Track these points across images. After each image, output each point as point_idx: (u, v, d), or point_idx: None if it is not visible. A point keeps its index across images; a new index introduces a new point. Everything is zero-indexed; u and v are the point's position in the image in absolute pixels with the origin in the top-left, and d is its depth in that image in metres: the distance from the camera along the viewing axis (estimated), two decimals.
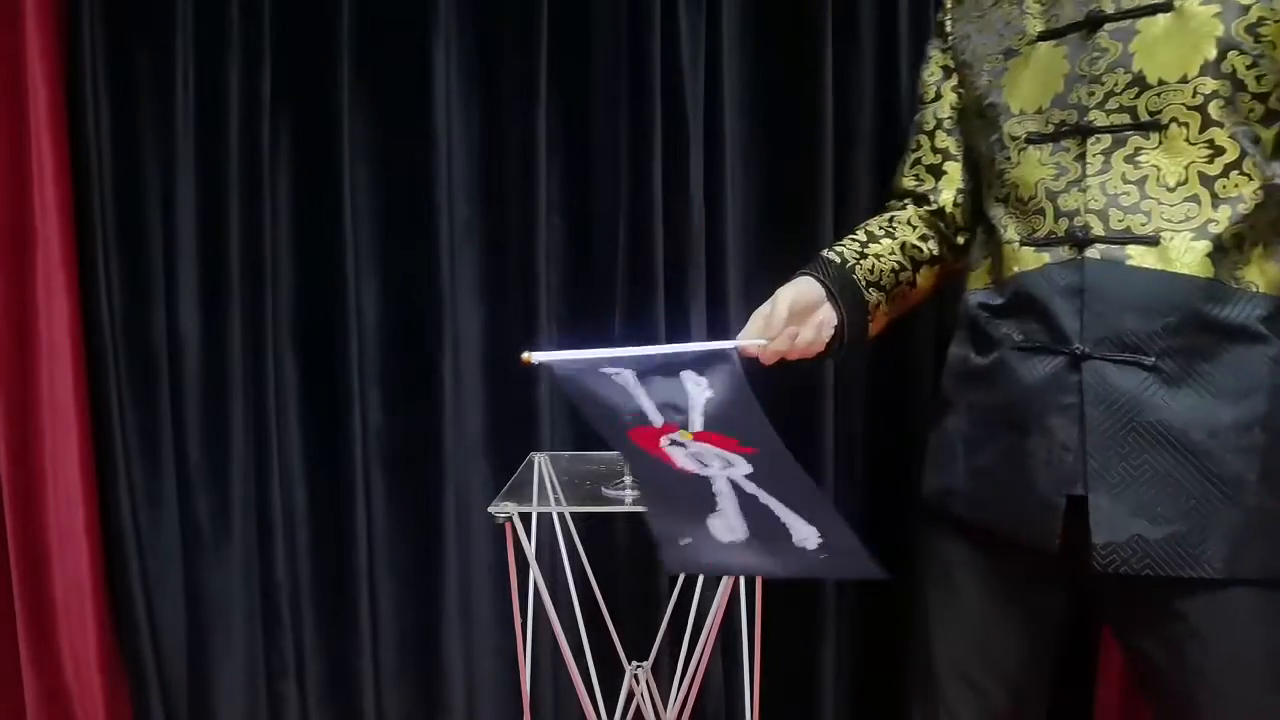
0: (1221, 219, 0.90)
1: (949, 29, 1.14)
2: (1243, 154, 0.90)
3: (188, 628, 1.71)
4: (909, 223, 1.17)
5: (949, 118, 1.15)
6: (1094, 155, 0.95)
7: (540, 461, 1.50)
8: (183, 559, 1.71)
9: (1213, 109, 0.89)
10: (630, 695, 1.55)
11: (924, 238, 1.16)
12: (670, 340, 1.56)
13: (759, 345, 1.02)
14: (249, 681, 1.73)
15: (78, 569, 1.64)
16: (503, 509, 1.13)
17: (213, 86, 1.62)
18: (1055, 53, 0.99)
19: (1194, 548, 0.90)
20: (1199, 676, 0.92)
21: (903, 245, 1.14)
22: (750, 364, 1.04)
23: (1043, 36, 1.00)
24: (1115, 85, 0.94)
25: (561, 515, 1.46)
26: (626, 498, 1.32)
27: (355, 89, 1.62)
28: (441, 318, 1.64)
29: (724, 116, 1.61)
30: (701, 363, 0.93)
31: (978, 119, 1.08)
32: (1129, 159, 0.93)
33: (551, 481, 1.48)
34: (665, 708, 1.52)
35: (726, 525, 0.97)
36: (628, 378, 0.93)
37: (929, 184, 1.17)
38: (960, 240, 1.17)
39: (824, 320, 1.07)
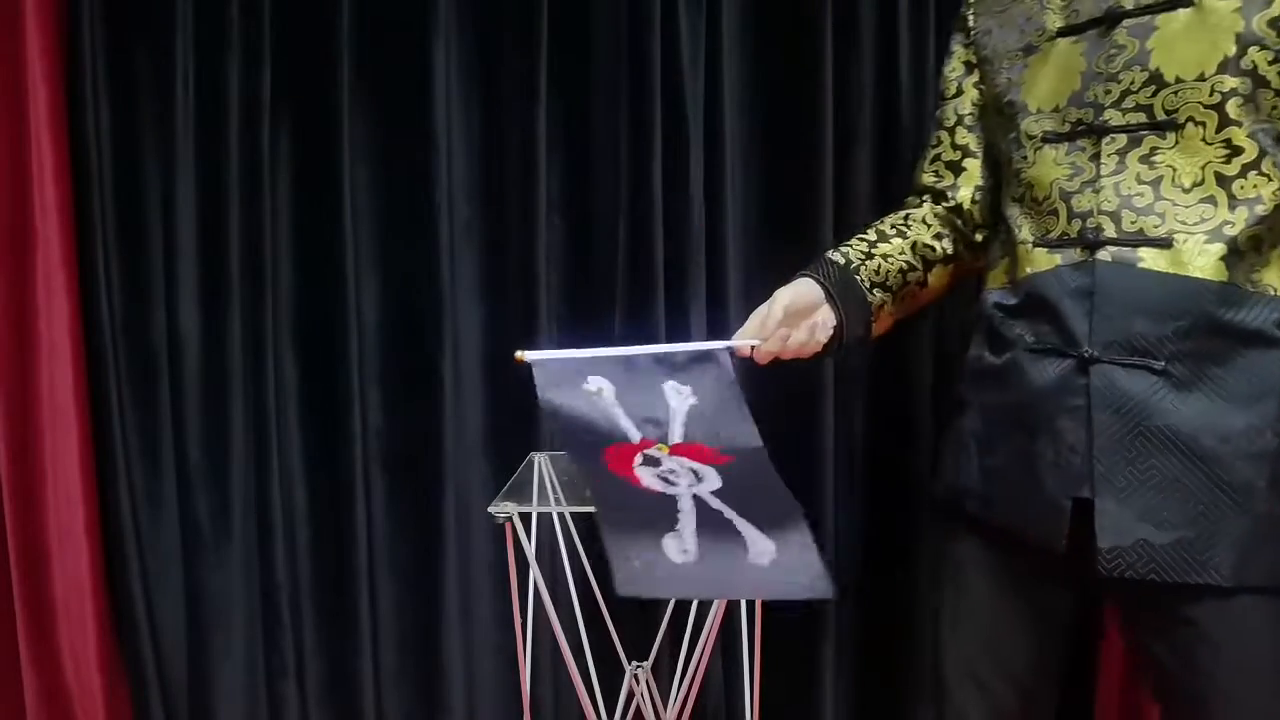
0: (1238, 221, 0.89)
1: (971, 24, 1.13)
2: (1262, 153, 0.89)
3: (188, 628, 1.71)
4: (923, 221, 1.16)
5: (970, 114, 1.14)
6: (1108, 155, 0.94)
7: (540, 461, 1.50)
8: (183, 559, 1.70)
9: (1231, 107, 0.88)
10: (630, 695, 1.55)
11: (938, 236, 1.15)
12: (670, 341, 1.56)
13: (751, 346, 1.02)
14: (249, 681, 1.73)
15: (78, 569, 1.64)
16: (503, 509, 1.13)
17: (213, 86, 1.62)
18: (1074, 49, 0.98)
19: (1201, 554, 0.89)
20: (1209, 681, 0.91)
21: (914, 245, 1.14)
22: (749, 362, 1.05)
23: (1062, 33, 0.99)
24: (1132, 83, 0.92)
25: (561, 515, 1.46)
26: None
27: (355, 89, 1.62)
28: (441, 318, 1.64)
29: (724, 116, 1.61)
30: (687, 369, 0.93)
31: (997, 116, 1.08)
32: (1144, 159, 0.92)
33: (551, 481, 1.48)
34: (665, 708, 1.52)
35: (680, 546, 0.98)
36: (607, 396, 0.93)
37: (948, 180, 1.16)
38: (978, 238, 1.16)
39: (820, 322, 1.07)
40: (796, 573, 0.97)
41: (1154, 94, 0.91)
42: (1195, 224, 0.90)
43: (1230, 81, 0.87)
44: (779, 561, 0.97)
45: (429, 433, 1.66)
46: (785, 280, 1.11)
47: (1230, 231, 0.89)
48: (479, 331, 1.69)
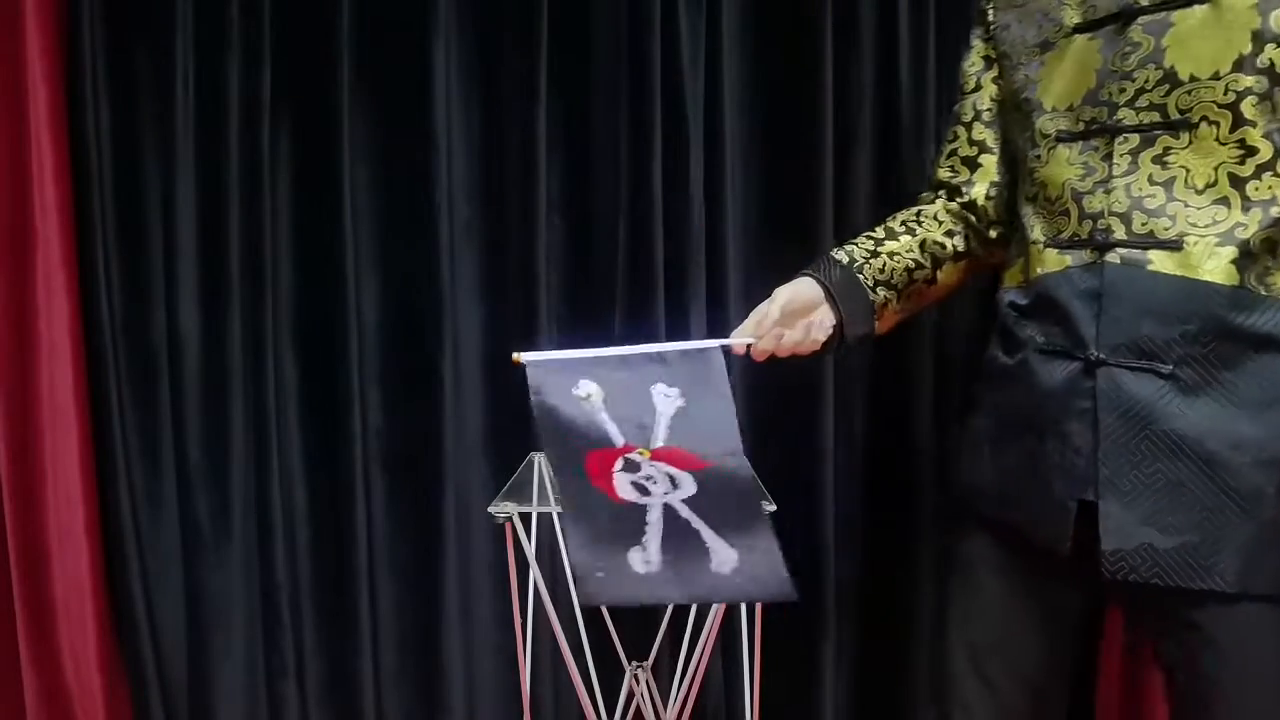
0: (1251, 223, 0.87)
1: (991, 18, 1.11)
2: (1277, 154, 0.87)
3: (188, 628, 1.71)
4: (935, 217, 1.16)
5: (988, 110, 1.12)
6: (1121, 155, 0.92)
7: (540, 461, 1.50)
8: (183, 559, 1.70)
9: (1246, 107, 0.86)
10: (630, 695, 1.55)
11: (949, 233, 1.15)
12: (669, 341, 1.56)
13: (746, 343, 1.04)
14: (249, 681, 1.73)
15: (78, 569, 1.64)
16: (503, 509, 1.13)
17: (213, 86, 1.62)
18: (1090, 46, 0.96)
19: (1205, 559, 0.89)
20: (1215, 686, 0.91)
21: (923, 242, 1.13)
22: (748, 359, 1.07)
23: (1079, 29, 0.98)
24: (1146, 81, 0.91)
25: (562, 515, 1.46)
26: None
27: (355, 89, 1.62)
28: (441, 318, 1.64)
29: (724, 116, 1.61)
30: (679, 369, 0.95)
31: (1014, 113, 1.07)
32: (1157, 159, 0.91)
33: (551, 481, 1.48)
34: (665, 708, 1.52)
35: (643, 557, 1.00)
36: (596, 401, 0.96)
37: (963, 176, 1.15)
38: (993, 234, 1.15)
39: (818, 321, 1.07)
40: (759, 578, 1.00)
41: (1168, 93, 0.89)
42: (1207, 226, 0.88)
43: (1246, 80, 0.86)
44: (740, 569, 1.00)
45: (429, 433, 1.66)
46: (785, 280, 1.12)
47: (1243, 234, 0.87)
48: (479, 331, 1.69)
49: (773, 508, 1.12)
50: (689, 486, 0.98)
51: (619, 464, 0.98)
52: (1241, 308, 0.88)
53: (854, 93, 1.62)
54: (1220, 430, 0.88)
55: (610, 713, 1.54)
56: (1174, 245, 0.89)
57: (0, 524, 1.62)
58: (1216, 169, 0.88)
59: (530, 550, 1.07)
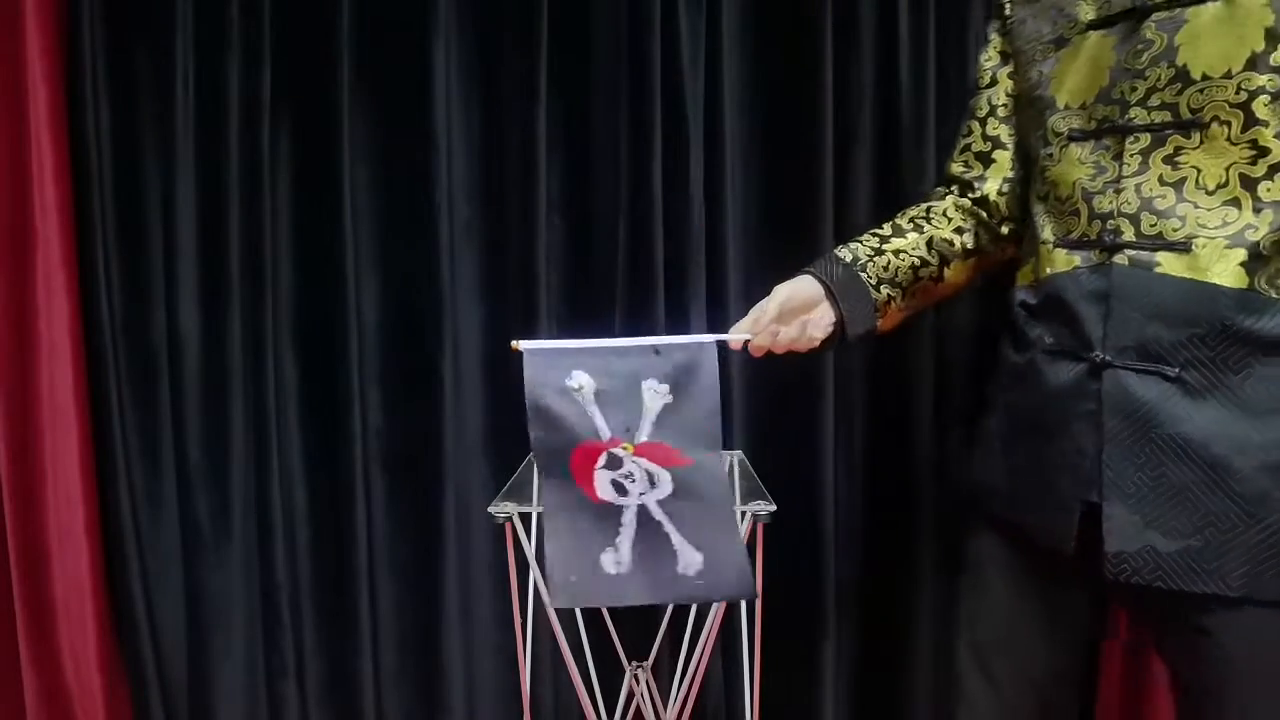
0: (1262, 225, 0.86)
1: (1008, 12, 1.10)
2: None
3: (188, 628, 1.71)
4: (944, 214, 1.15)
5: (1004, 105, 1.12)
6: (1131, 155, 0.91)
7: None
8: (183, 559, 1.70)
9: (1258, 106, 0.85)
10: (630, 695, 1.55)
11: (959, 230, 1.14)
12: None
13: (742, 339, 1.05)
14: (249, 681, 1.73)
15: (78, 569, 1.64)
16: (503, 509, 1.13)
17: (213, 86, 1.62)
18: (1104, 43, 0.95)
19: (1209, 563, 0.88)
20: (1220, 690, 0.91)
21: (930, 240, 1.13)
22: (748, 356, 1.09)
23: (1093, 25, 0.97)
24: (1158, 80, 0.90)
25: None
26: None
27: (355, 89, 1.62)
28: (441, 318, 1.64)
29: (724, 116, 1.61)
30: (672, 366, 0.99)
31: (1028, 109, 1.06)
32: (1168, 159, 0.90)
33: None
34: (665, 708, 1.52)
35: (615, 559, 1.03)
36: (587, 393, 0.99)
37: (976, 171, 1.15)
38: (1005, 230, 1.15)
39: (817, 319, 1.07)
40: (722, 578, 1.03)
41: (1180, 92, 0.88)
42: (1217, 228, 0.87)
43: (1258, 79, 0.84)
44: (704, 572, 1.02)
45: (429, 433, 1.66)
46: (786, 279, 1.12)
47: (1253, 236, 0.86)
48: (479, 331, 1.69)
49: (772, 508, 1.12)
50: (665, 486, 1.01)
51: (601, 460, 1.01)
52: (1250, 311, 0.86)
53: (854, 93, 1.62)
54: (1226, 434, 0.87)
55: (610, 713, 1.54)
56: (1183, 247, 0.88)
57: (0, 524, 1.62)
58: (1228, 169, 0.87)
59: (530, 550, 1.07)
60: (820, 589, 1.66)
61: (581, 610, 1.53)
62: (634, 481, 1.01)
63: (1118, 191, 0.92)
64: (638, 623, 1.59)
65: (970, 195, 1.16)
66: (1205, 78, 0.87)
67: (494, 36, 1.63)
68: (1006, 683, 1.07)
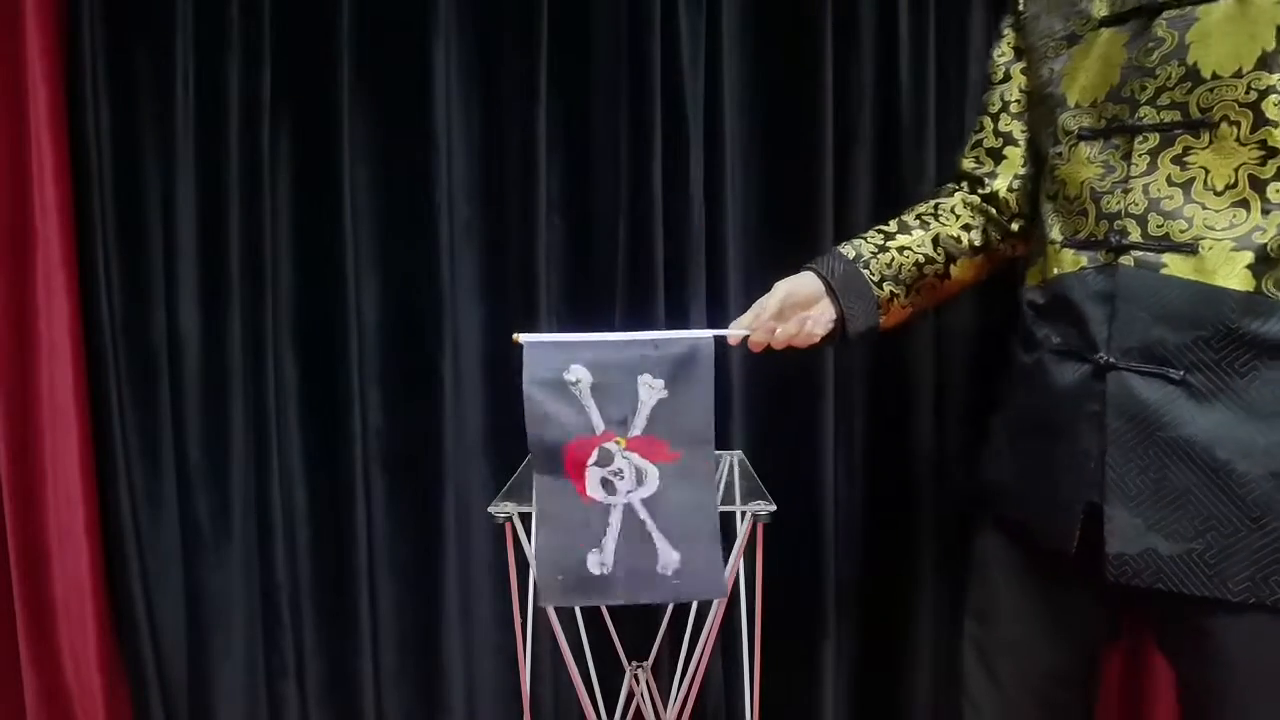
0: (1270, 227, 0.85)
1: (1021, 7, 1.09)
2: None
3: (188, 628, 1.71)
4: (953, 211, 1.15)
5: (1016, 101, 1.11)
6: (1140, 155, 0.91)
7: None
8: (183, 559, 1.70)
9: (1268, 106, 0.83)
10: (630, 695, 1.55)
11: (967, 227, 1.14)
12: None
13: (740, 335, 1.06)
14: (249, 681, 1.73)
15: (78, 569, 1.64)
16: (503, 509, 1.13)
17: (213, 86, 1.62)
18: (1116, 41, 0.94)
19: (1210, 567, 0.87)
20: (1223, 694, 0.90)
21: (936, 237, 1.12)
22: (748, 352, 1.10)
23: (1106, 22, 0.96)
24: (1168, 79, 0.88)
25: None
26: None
27: (355, 89, 1.62)
28: (441, 318, 1.64)
29: (724, 116, 1.61)
30: (668, 361, 1.01)
31: (1040, 107, 1.05)
32: (1177, 160, 0.89)
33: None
34: (665, 708, 1.52)
35: (599, 560, 1.05)
36: (584, 387, 1.01)
37: (987, 167, 1.14)
38: (1015, 227, 1.14)
39: (816, 316, 1.07)
40: (696, 578, 1.05)
41: (1189, 91, 0.87)
42: (1224, 229, 0.86)
43: (1268, 78, 0.83)
44: (680, 571, 1.05)
45: (429, 433, 1.66)
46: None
47: (1260, 239, 0.85)
48: (479, 331, 1.69)
49: (772, 508, 1.12)
50: (652, 483, 1.04)
51: (593, 455, 1.03)
52: (1256, 314, 0.85)
53: (854, 93, 1.62)
54: (1230, 438, 0.86)
55: (610, 713, 1.53)
56: (1189, 249, 0.87)
57: (0, 524, 1.62)
58: (1237, 170, 0.86)
59: (530, 550, 1.07)
60: (820, 589, 1.66)
61: (581, 610, 1.53)
62: (622, 479, 1.03)
63: (1125, 191, 0.92)
64: (638, 623, 1.59)
65: (980, 191, 1.15)
66: (1215, 76, 0.86)
67: (494, 36, 1.63)
68: (1011, 683, 1.07)
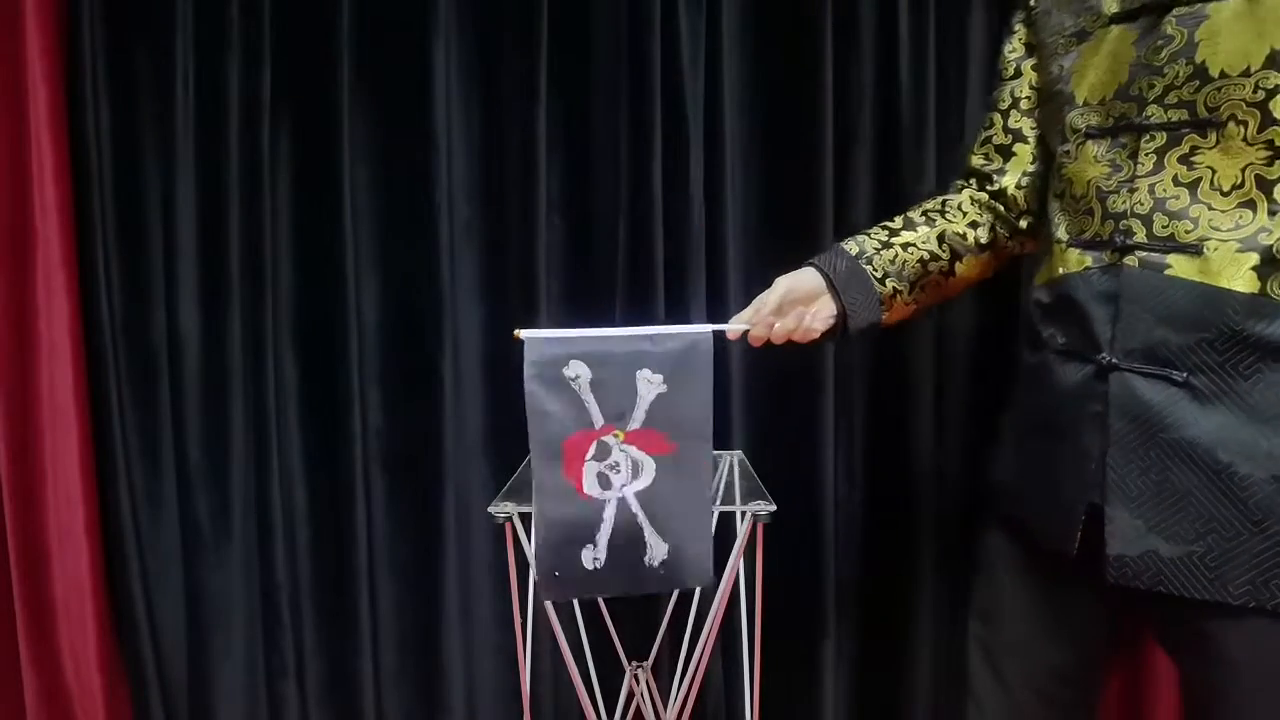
0: (1276, 229, 0.84)
1: (1032, 3, 1.08)
2: None
3: (188, 628, 1.71)
4: (959, 208, 1.14)
5: (1026, 97, 1.10)
6: (1146, 154, 0.90)
7: None
8: (183, 559, 1.71)
9: (1275, 105, 0.82)
10: (630, 695, 1.55)
11: (973, 224, 1.13)
12: None
13: (739, 330, 1.06)
14: (249, 681, 1.73)
15: (78, 569, 1.64)
16: (503, 509, 1.13)
17: (213, 86, 1.62)
18: (1125, 38, 0.93)
19: (1211, 570, 0.87)
20: (1225, 697, 0.90)
21: (942, 234, 1.12)
22: (748, 347, 1.10)
23: (1116, 19, 0.95)
24: (1176, 77, 0.87)
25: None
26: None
27: (355, 89, 1.62)
28: (441, 318, 1.64)
29: (724, 116, 1.61)
30: (667, 356, 1.02)
31: (1049, 104, 1.05)
32: (1183, 159, 0.88)
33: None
34: (665, 708, 1.52)
35: (593, 555, 1.07)
36: (583, 383, 1.02)
37: (995, 164, 1.13)
38: (1024, 224, 1.14)
39: (816, 311, 1.07)
40: (682, 568, 1.08)
41: (1197, 89, 0.86)
42: (1230, 230, 0.85)
43: (1276, 77, 0.82)
44: (666, 562, 1.07)
45: (429, 433, 1.66)
46: None
47: (1267, 240, 0.84)
48: (479, 331, 1.69)
49: (772, 508, 1.12)
50: (648, 475, 1.05)
51: (591, 450, 1.04)
52: (1261, 316, 0.85)
53: (854, 93, 1.62)
54: (1233, 441, 0.86)
55: (610, 713, 1.54)
56: (1194, 249, 0.87)
57: (0, 524, 1.62)
58: (1243, 170, 0.85)
59: (530, 550, 1.07)
60: (820, 589, 1.66)
61: (581, 610, 1.54)
62: (618, 473, 1.05)
63: (1131, 191, 0.91)
64: (638, 622, 1.59)
65: (988, 188, 1.15)
66: (1223, 75, 0.85)
67: (494, 36, 1.63)
68: (1016, 683, 1.06)
